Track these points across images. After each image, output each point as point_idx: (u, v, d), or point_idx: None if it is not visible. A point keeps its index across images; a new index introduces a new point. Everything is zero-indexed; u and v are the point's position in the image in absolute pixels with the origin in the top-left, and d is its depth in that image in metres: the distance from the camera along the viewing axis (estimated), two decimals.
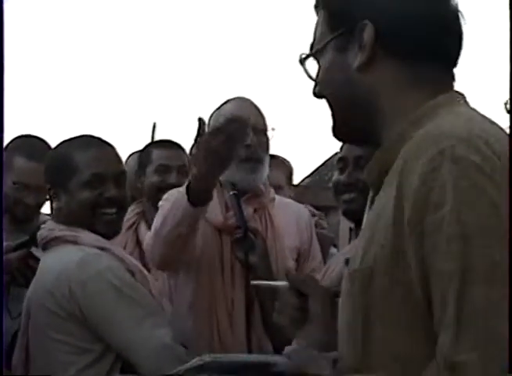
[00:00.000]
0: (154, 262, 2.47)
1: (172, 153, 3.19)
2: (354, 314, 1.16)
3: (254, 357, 1.26)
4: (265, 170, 2.65)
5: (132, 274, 2.15)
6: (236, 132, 2.14)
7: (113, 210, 2.20)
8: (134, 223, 3.09)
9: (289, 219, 2.72)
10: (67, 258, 2.10)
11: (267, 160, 2.65)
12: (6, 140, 2.79)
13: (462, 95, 1.25)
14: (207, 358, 1.18)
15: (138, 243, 3.03)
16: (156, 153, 3.18)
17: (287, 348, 1.25)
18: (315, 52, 1.29)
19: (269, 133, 2.64)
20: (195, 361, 1.19)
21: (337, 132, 1.32)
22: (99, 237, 2.18)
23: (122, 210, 2.26)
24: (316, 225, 3.06)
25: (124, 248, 2.85)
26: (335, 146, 2.39)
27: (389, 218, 1.10)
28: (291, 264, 2.63)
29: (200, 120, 2.23)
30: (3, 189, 2.50)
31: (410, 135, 1.15)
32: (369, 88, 1.23)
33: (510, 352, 1.00)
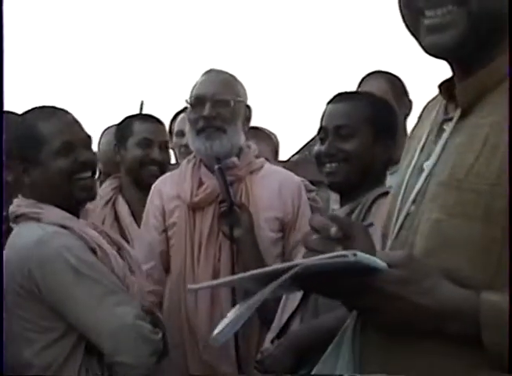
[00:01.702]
0: None
1: (155, 128, 3.11)
2: (488, 232, 1.08)
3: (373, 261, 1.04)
4: (231, 139, 2.62)
5: (94, 252, 2.13)
6: None
7: (88, 174, 2.21)
8: (111, 198, 3.04)
9: (271, 190, 2.66)
10: (26, 237, 2.11)
11: (233, 129, 2.63)
12: None
13: None
14: (348, 255, 1.01)
15: (117, 218, 3.00)
16: (138, 126, 3.07)
17: (392, 256, 1.09)
18: None
19: (233, 103, 2.61)
20: (335, 255, 1.02)
21: (442, 45, 1.17)
22: (64, 214, 2.17)
23: (94, 173, 2.27)
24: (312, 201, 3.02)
25: (103, 224, 2.82)
26: None
27: None
28: (269, 235, 2.60)
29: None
30: (3, 186, 2.48)
31: None
32: None
33: (510, 351, 0.99)
